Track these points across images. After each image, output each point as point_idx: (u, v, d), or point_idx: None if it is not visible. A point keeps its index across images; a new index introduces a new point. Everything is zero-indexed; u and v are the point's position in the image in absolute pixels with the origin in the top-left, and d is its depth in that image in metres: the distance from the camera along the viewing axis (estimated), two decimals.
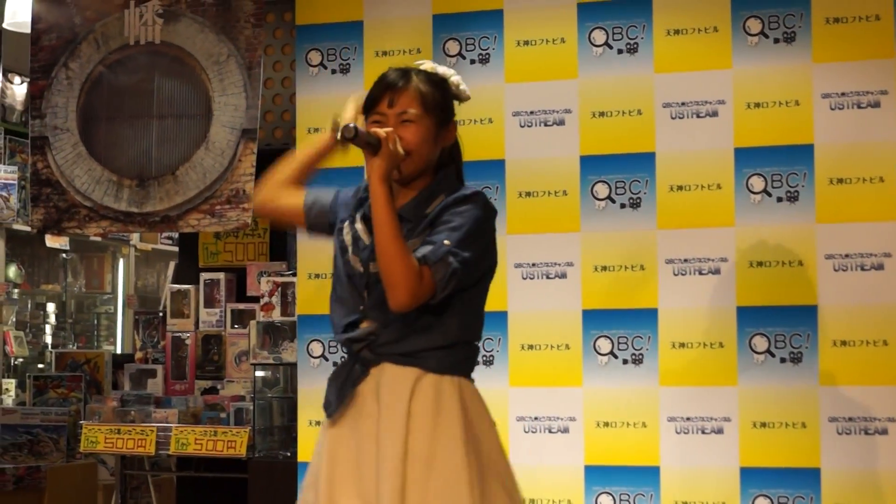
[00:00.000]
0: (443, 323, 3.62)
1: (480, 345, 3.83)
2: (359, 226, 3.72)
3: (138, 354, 8.79)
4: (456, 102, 3.87)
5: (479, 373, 6.12)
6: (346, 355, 3.70)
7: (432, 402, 3.56)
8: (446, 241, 3.56)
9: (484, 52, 6.37)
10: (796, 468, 5.90)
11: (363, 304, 3.63)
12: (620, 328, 6.12)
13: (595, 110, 6.24)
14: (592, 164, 6.18)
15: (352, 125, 3.50)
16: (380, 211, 3.50)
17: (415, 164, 3.68)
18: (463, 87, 3.87)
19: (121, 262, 12.46)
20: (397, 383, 3.56)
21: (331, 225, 3.89)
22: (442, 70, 3.82)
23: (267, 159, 6.77)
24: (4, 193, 10.43)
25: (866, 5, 5.90)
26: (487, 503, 3.55)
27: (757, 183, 6.00)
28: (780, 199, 5.97)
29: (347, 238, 3.72)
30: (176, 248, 9.99)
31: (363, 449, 3.54)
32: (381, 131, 3.53)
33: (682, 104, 6.13)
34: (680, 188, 6.10)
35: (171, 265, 10.04)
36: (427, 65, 3.85)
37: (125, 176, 6.90)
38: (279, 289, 7.49)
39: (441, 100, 3.76)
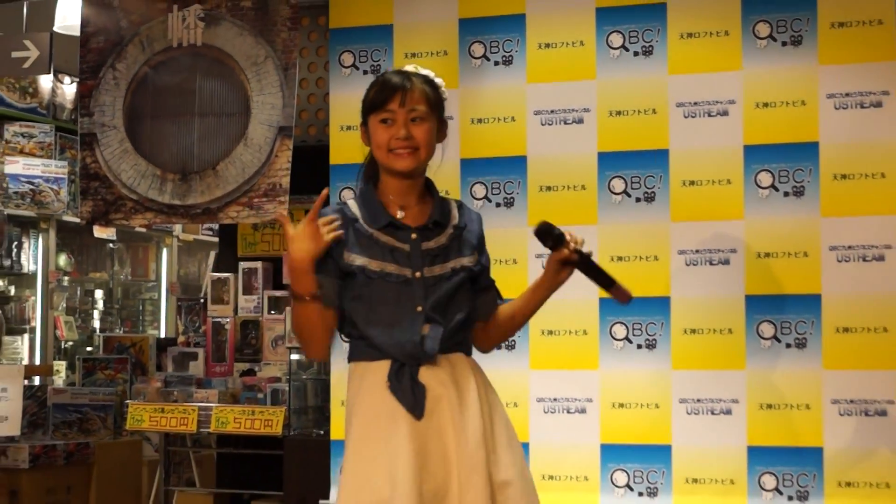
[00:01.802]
0: (474, 314, 3.80)
1: None
2: (388, 239, 3.71)
3: (181, 338, 8.80)
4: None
5: (502, 357, 6.13)
6: (402, 360, 3.67)
7: (483, 378, 3.76)
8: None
9: (507, 54, 6.36)
10: (800, 447, 5.89)
11: (422, 307, 3.63)
12: (635, 315, 6.10)
13: (612, 109, 6.23)
14: (610, 161, 6.17)
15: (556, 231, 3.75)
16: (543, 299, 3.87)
17: (425, 156, 3.73)
18: (444, 88, 3.89)
19: (164, 252, 12.49)
20: (457, 367, 3.68)
21: (341, 275, 3.77)
22: (424, 71, 3.84)
23: (302, 155, 6.83)
24: (55, 187, 10.45)
25: (869, 10, 5.89)
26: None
27: (765, 178, 5.98)
28: (786, 194, 5.96)
29: (379, 254, 3.68)
30: (216, 239, 9.99)
31: (444, 428, 3.58)
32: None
33: (695, 104, 6.12)
34: (692, 183, 6.08)
35: (212, 254, 10.07)
36: (410, 67, 3.85)
37: (169, 170, 6.90)
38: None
39: (439, 100, 3.81)
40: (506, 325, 3.87)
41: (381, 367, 3.66)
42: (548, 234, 3.69)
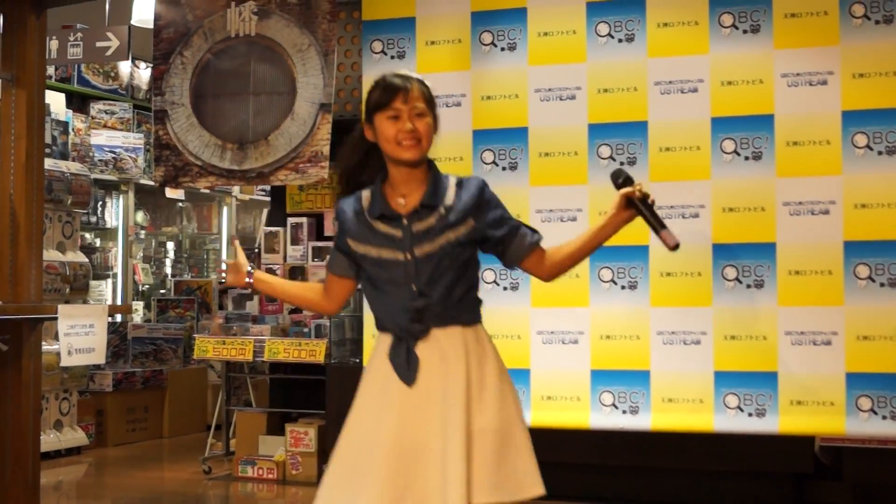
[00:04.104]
0: (470, 283, 3.65)
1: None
2: (383, 227, 3.66)
3: None
4: None
5: (506, 296, 6.15)
6: (399, 335, 3.67)
7: (476, 347, 3.61)
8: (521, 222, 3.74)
9: (512, 42, 6.37)
10: (759, 372, 5.92)
11: (414, 284, 3.61)
12: (619, 261, 6.13)
13: (600, 87, 6.24)
14: (598, 131, 6.19)
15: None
16: (606, 239, 3.71)
17: (427, 147, 3.65)
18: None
19: (224, 209, 12.51)
20: (450, 340, 3.58)
21: (353, 261, 3.77)
22: (416, 75, 3.82)
23: (339, 127, 6.86)
24: (133, 155, 10.48)
25: (817, 3, 5.88)
26: (517, 406, 3.63)
27: (728, 145, 5.99)
28: (747, 158, 5.97)
29: (377, 241, 3.65)
30: (268, 198, 10.03)
31: (433, 392, 3.57)
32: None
33: (670, 83, 6.13)
34: (667, 149, 6.09)
35: (265, 211, 10.09)
36: (404, 71, 3.83)
37: (228, 141, 6.93)
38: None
39: (433, 98, 3.71)
40: (565, 262, 3.71)
41: (387, 339, 3.67)
42: (619, 175, 3.60)
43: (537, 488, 3.59)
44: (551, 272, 3.74)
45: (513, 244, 3.70)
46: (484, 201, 3.67)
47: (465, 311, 3.65)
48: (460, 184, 3.71)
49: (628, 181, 3.57)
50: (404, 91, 3.64)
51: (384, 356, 3.65)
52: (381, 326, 3.70)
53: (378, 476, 3.49)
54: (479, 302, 3.70)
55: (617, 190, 3.60)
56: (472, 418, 3.54)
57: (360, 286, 3.80)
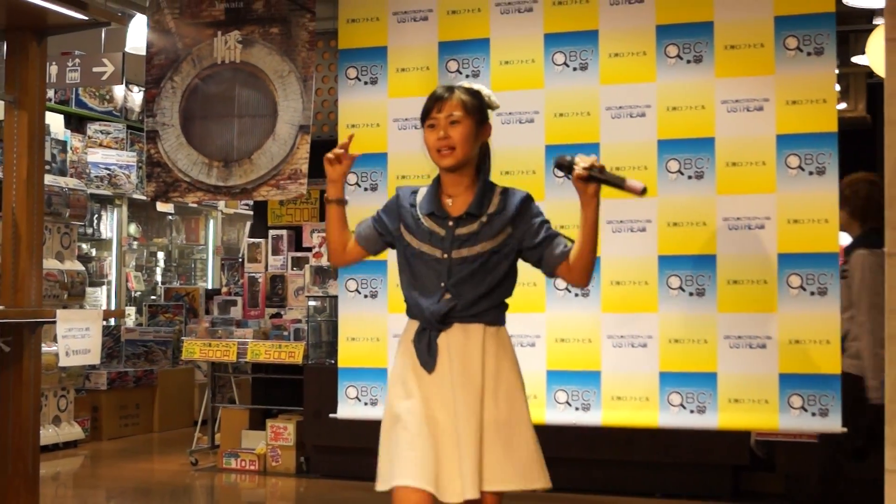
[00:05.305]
0: (501, 290, 3.60)
1: None
2: (427, 223, 3.63)
3: (224, 289, 8.83)
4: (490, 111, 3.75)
5: None
6: (425, 325, 3.60)
7: (495, 344, 3.57)
8: (549, 225, 3.64)
9: (476, 69, 6.37)
10: (700, 372, 5.93)
11: (444, 283, 3.57)
12: None
13: (557, 112, 6.24)
14: (554, 152, 6.15)
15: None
16: (595, 223, 3.50)
17: (463, 153, 3.58)
18: (493, 97, 3.75)
19: (211, 222, 12.48)
20: (471, 336, 3.55)
21: (386, 242, 3.78)
22: (477, 85, 3.75)
23: (317, 147, 6.85)
24: (126, 172, 10.44)
25: (754, 36, 5.89)
26: (527, 404, 3.62)
27: (673, 165, 6.01)
28: (690, 177, 5.98)
29: (420, 236, 3.63)
30: (251, 212, 10.02)
31: (449, 382, 3.54)
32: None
33: (620, 108, 6.13)
34: (617, 169, 6.04)
35: (248, 224, 10.09)
36: (465, 82, 3.78)
37: (214, 159, 6.90)
38: (326, 241, 7.53)
39: (478, 105, 3.64)
40: (579, 262, 3.56)
41: (413, 326, 3.64)
42: (562, 164, 3.49)
43: (543, 481, 3.60)
44: (580, 275, 3.61)
45: (546, 253, 3.60)
46: (524, 211, 3.61)
47: (490, 314, 3.60)
48: (505, 193, 3.66)
49: (572, 163, 3.45)
50: (440, 101, 3.59)
51: (409, 342, 3.63)
52: (410, 313, 3.68)
53: (413, 449, 3.47)
54: (505, 307, 3.65)
55: (568, 177, 3.51)
56: (486, 408, 3.51)
57: (396, 265, 3.75)
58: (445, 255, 3.58)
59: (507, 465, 3.52)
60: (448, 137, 3.57)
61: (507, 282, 3.63)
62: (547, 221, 3.63)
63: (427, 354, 3.58)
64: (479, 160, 3.71)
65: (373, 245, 3.82)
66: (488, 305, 3.58)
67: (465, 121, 3.59)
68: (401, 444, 3.50)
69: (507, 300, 3.66)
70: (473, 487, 3.44)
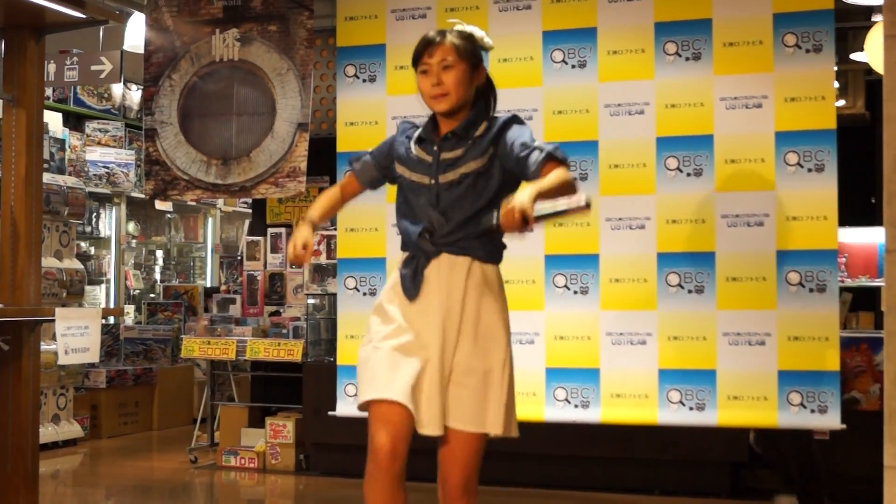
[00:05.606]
0: (478, 218, 3.50)
1: None
2: (415, 151, 3.60)
3: (223, 287, 8.81)
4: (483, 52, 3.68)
5: None
6: (413, 252, 3.56)
7: (480, 281, 3.50)
8: (536, 142, 3.49)
9: None
10: (699, 369, 5.93)
11: (436, 209, 3.51)
12: (572, 268, 6.13)
13: (555, 109, 6.24)
14: None
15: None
16: (549, 189, 3.29)
17: (457, 98, 3.51)
18: (487, 39, 3.67)
19: (209, 220, 12.46)
20: (456, 268, 3.49)
21: (383, 175, 3.77)
22: (469, 28, 3.68)
23: (315, 145, 6.84)
24: (125, 170, 10.43)
25: (752, 34, 5.90)
26: (509, 346, 3.56)
27: (672, 163, 6.00)
28: (688, 175, 5.98)
29: (411, 165, 3.60)
30: (250, 210, 10.00)
31: (431, 312, 3.50)
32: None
33: (619, 105, 6.13)
34: (616, 166, 6.10)
35: (247, 222, 10.06)
36: (457, 25, 3.67)
37: (213, 157, 6.90)
38: (325, 240, 7.53)
39: (471, 48, 3.57)
40: (548, 193, 3.34)
41: (405, 256, 3.63)
42: (490, 231, 3.40)
43: (504, 429, 3.52)
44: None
45: (528, 160, 3.45)
46: (506, 128, 3.53)
47: (481, 247, 3.53)
48: (494, 119, 3.59)
49: (497, 223, 3.27)
50: (431, 45, 3.53)
51: (397, 270, 3.61)
52: (403, 246, 3.64)
53: (387, 369, 3.44)
54: (500, 245, 3.58)
55: (500, 234, 3.46)
56: (459, 349, 3.47)
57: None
58: (433, 181, 3.54)
59: (467, 407, 3.46)
60: (441, 84, 3.51)
61: (484, 207, 3.52)
62: (531, 140, 3.49)
63: (411, 281, 3.53)
64: (476, 98, 3.63)
65: (368, 176, 3.81)
66: (480, 237, 3.50)
67: (459, 65, 3.52)
68: (372, 363, 3.48)
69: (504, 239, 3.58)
70: (433, 423, 3.42)
